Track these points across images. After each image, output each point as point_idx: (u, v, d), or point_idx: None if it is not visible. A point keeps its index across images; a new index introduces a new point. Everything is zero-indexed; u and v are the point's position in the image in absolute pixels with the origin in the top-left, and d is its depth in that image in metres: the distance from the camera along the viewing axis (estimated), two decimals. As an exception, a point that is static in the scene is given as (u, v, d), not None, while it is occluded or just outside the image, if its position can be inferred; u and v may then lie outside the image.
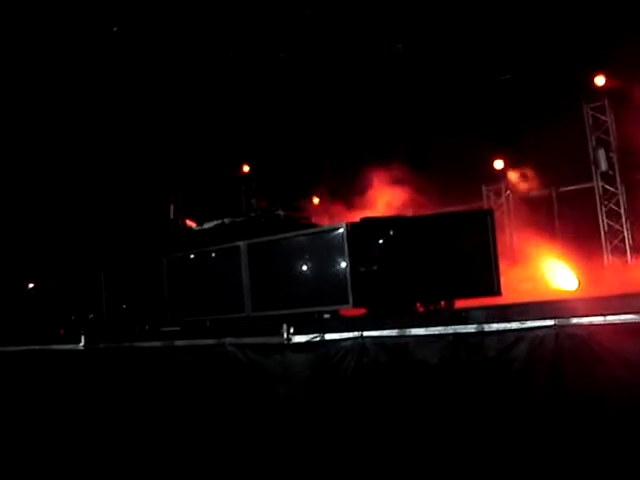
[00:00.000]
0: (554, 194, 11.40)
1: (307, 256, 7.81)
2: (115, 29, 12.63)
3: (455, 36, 11.85)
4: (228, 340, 7.41)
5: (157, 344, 8.13)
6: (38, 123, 13.71)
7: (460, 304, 7.56)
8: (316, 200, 13.37)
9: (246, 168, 13.83)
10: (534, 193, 11.09)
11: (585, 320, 5.63)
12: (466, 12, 11.71)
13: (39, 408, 9.01)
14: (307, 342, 6.88)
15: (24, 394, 9.24)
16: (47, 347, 9.39)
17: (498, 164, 12.07)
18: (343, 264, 7.37)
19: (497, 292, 7.39)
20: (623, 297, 6.12)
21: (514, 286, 8.06)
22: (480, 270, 7.47)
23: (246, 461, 6.77)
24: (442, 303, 7.63)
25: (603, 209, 11.25)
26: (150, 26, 12.97)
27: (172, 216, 12.12)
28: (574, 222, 10.75)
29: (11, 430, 9.10)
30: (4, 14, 12.29)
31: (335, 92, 13.33)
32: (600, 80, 11.51)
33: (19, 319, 10.99)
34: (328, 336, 6.80)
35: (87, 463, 8.10)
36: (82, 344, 8.92)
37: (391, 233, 7.58)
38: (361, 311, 7.66)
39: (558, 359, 5.66)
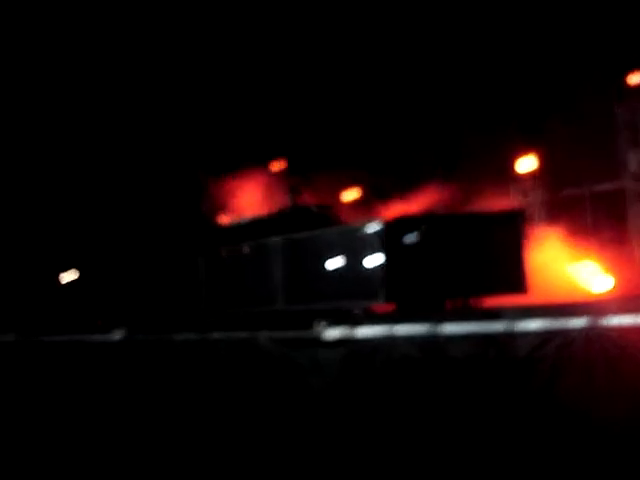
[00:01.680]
0: (587, 193, 11.34)
1: (340, 252, 7.92)
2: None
3: (486, 33, 11.85)
4: (262, 333, 7.56)
5: (192, 336, 8.31)
6: (75, 110, 13.98)
7: (491, 302, 7.61)
8: (351, 196, 13.42)
9: (281, 164, 13.90)
10: (566, 192, 11.04)
11: (616, 320, 5.65)
12: (498, 9, 11.71)
13: (77, 397, 9.22)
14: (339, 337, 7.00)
15: (63, 384, 9.46)
16: (85, 338, 9.61)
17: (526, 162, 12.01)
18: (376, 260, 7.47)
19: (526, 290, 7.45)
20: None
21: (545, 285, 8.08)
22: (510, 268, 7.54)
23: (275, 451, 6.89)
24: (472, 300, 7.70)
25: (634, 209, 11.16)
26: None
27: (207, 211, 12.28)
28: (606, 221, 10.67)
29: (48, 419, 9.30)
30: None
31: (370, 88, 13.37)
32: (635, 78, 11.38)
33: (57, 310, 11.23)
34: (359, 331, 6.91)
35: (122, 450, 8.27)
36: (120, 335, 9.12)
37: (423, 230, 7.65)
38: (391, 307, 7.75)
39: (588, 359, 5.68)
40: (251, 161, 12.83)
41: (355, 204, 12.90)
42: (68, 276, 11.26)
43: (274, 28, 13.50)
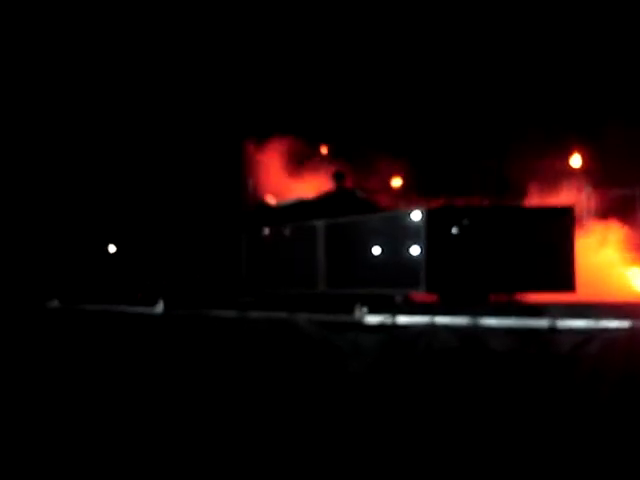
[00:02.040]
0: (637, 193, 11.17)
1: (383, 238, 7.93)
2: None
3: (550, 31, 11.75)
4: (301, 315, 7.59)
5: (232, 314, 8.38)
6: (110, 86, 14.17)
7: (535, 297, 7.55)
8: (398, 183, 13.40)
9: (327, 148, 13.92)
10: (617, 191, 10.89)
11: (661, 323, 5.59)
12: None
13: (114, 368, 9.35)
14: (379, 323, 7.00)
15: (102, 354, 9.61)
16: (126, 309, 9.75)
17: (580, 159, 11.88)
18: (418, 249, 7.45)
19: (572, 288, 7.38)
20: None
21: (590, 284, 7.99)
22: (557, 265, 7.48)
23: (311, 433, 6.94)
24: (515, 295, 7.65)
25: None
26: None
27: (251, 191, 12.36)
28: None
29: (84, 388, 9.45)
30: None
31: (423, 77, 13.32)
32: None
33: (100, 280, 11.42)
34: (400, 319, 6.91)
35: (155, 425, 8.39)
36: (160, 309, 9.23)
37: (468, 221, 7.61)
38: (432, 297, 7.74)
39: (630, 361, 5.63)
40: (299, 143, 12.86)
41: (400, 192, 12.87)
42: (114, 247, 11.43)
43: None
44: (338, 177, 10.31)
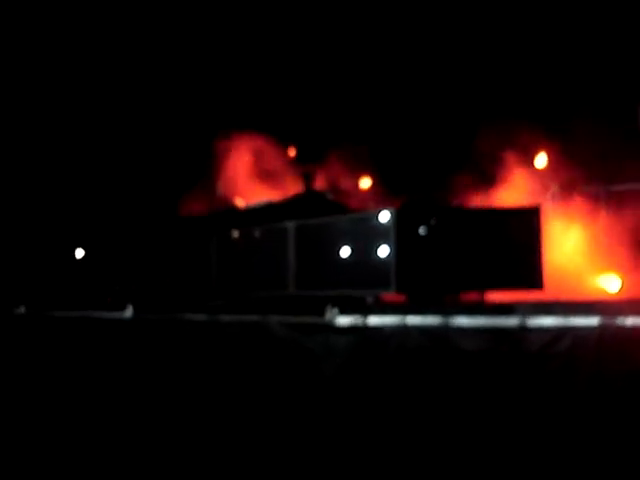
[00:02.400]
0: (602, 192, 11.30)
1: (353, 239, 7.93)
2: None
3: (507, 30, 11.84)
4: (272, 318, 7.57)
5: (202, 317, 8.33)
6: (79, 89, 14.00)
7: (504, 296, 7.61)
8: (366, 183, 13.41)
9: (295, 150, 13.88)
10: (583, 190, 10.99)
11: (630, 321, 5.65)
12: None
13: (84, 374, 9.24)
14: (350, 324, 7.00)
15: (71, 359, 9.49)
16: (95, 314, 9.63)
17: (546, 158, 11.97)
18: (388, 249, 7.47)
19: (541, 286, 7.45)
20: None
21: (559, 282, 8.08)
22: (525, 263, 7.54)
23: (283, 436, 6.92)
24: (485, 294, 7.70)
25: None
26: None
27: (221, 193, 12.29)
28: (621, 222, 10.64)
29: (53, 394, 9.32)
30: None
31: (388, 77, 13.35)
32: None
33: (69, 285, 11.26)
34: (371, 319, 6.92)
35: (126, 431, 8.31)
36: (129, 313, 9.14)
37: (436, 221, 7.65)
38: (402, 297, 7.76)
39: (600, 358, 5.69)
40: (267, 145, 12.82)
41: (369, 192, 12.90)
42: (81, 252, 11.28)
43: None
44: (307, 179, 10.32)
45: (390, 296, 7.74)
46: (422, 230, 7.58)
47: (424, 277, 7.56)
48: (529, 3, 11.87)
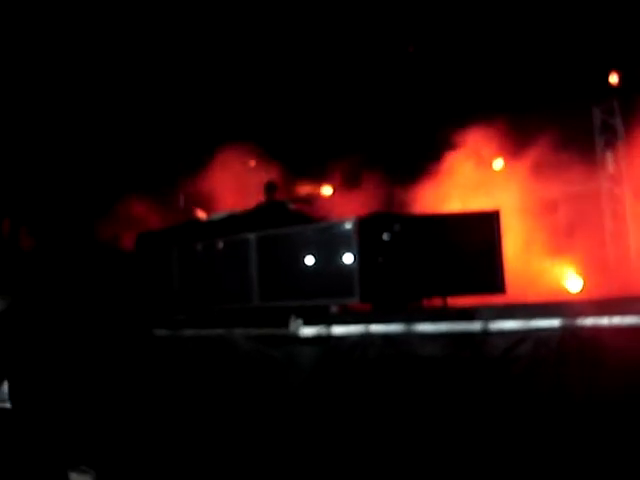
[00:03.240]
0: (561, 194, 11.43)
1: (316, 249, 7.91)
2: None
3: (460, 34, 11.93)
4: (236, 330, 7.52)
5: (165, 332, 8.24)
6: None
7: (466, 301, 7.65)
8: (327, 191, 13.40)
9: (257, 159, 13.81)
10: (542, 193, 11.10)
11: (590, 321, 5.70)
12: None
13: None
14: (314, 335, 6.98)
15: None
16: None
17: (502, 162, 12.08)
18: (351, 258, 7.46)
19: (502, 290, 7.50)
20: (628, 299, 6.20)
21: (520, 285, 8.14)
22: (486, 268, 7.58)
23: (252, 448, 6.86)
24: (448, 300, 7.73)
25: (609, 210, 11.29)
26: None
27: (182, 206, 12.21)
28: (581, 223, 10.77)
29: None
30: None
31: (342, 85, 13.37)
32: (613, 79, 11.44)
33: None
34: (335, 329, 6.91)
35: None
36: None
37: (398, 229, 7.68)
38: (366, 306, 7.75)
39: (562, 360, 5.73)
40: (227, 155, 12.74)
41: (330, 200, 12.89)
42: None
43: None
44: (269, 189, 10.27)
45: (355, 305, 7.73)
46: (386, 236, 7.60)
47: (387, 285, 7.57)
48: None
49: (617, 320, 5.56)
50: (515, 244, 9.20)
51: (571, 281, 9.85)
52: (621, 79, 11.41)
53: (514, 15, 11.41)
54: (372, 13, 12.57)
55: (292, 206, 9.76)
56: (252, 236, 8.37)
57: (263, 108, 13.88)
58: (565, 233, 10.48)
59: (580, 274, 9.91)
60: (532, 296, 8.23)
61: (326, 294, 7.69)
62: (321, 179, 13.18)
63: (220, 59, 13.79)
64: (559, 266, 9.96)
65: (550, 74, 11.52)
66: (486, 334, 6.13)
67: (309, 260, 7.91)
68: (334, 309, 7.69)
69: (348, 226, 7.55)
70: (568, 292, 9.62)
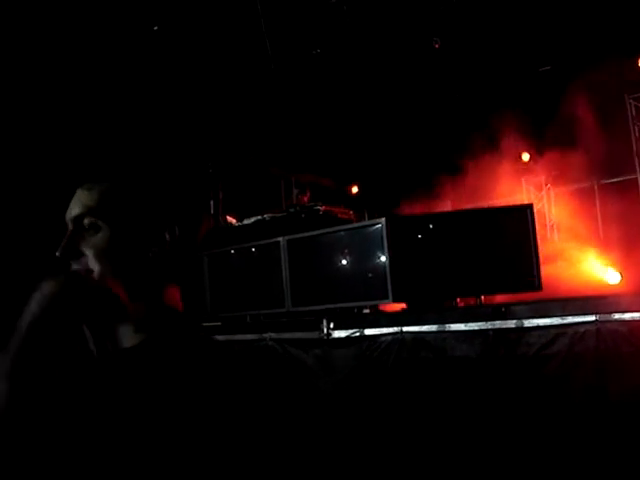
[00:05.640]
0: (596, 186, 11.24)
1: (347, 251, 7.86)
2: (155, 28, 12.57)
3: (490, 27, 11.71)
4: (268, 335, 7.49)
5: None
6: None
7: (501, 299, 7.53)
8: (354, 190, 13.34)
9: (288, 164, 13.78)
10: (575, 186, 10.92)
11: (627, 316, 5.58)
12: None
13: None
14: (347, 337, 6.94)
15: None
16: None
17: (526, 156, 11.90)
18: (383, 259, 7.40)
19: (538, 287, 7.34)
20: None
21: (555, 281, 7.99)
22: (521, 265, 7.43)
23: (285, 452, 6.83)
24: (482, 298, 7.61)
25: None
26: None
27: (212, 212, 12.22)
28: (616, 215, 10.56)
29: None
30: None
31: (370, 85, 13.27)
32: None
33: None
34: (368, 331, 6.85)
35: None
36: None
37: (430, 228, 7.59)
38: (401, 306, 7.68)
39: (599, 355, 5.62)
40: (258, 161, 12.76)
41: (361, 200, 12.84)
42: None
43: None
44: (298, 192, 10.27)
45: (388, 306, 7.66)
46: (420, 236, 7.56)
47: (420, 285, 7.48)
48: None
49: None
50: (551, 238, 9.06)
51: (609, 274, 9.65)
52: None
53: (541, 9, 11.23)
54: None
55: (321, 208, 9.70)
56: (282, 240, 8.34)
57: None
58: (602, 225, 10.29)
59: (617, 267, 9.70)
60: (568, 292, 8.07)
61: (358, 296, 7.63)
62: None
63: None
64: (596, 259, 9.76)
65: (584, 61, 11.30)
66: (521, 332, 6.03)
67: (340, 262, 7.86)
68: (367, 311, 7.63)
69: (378, 226, 7.49)
70: (605, 286, 9.42)
